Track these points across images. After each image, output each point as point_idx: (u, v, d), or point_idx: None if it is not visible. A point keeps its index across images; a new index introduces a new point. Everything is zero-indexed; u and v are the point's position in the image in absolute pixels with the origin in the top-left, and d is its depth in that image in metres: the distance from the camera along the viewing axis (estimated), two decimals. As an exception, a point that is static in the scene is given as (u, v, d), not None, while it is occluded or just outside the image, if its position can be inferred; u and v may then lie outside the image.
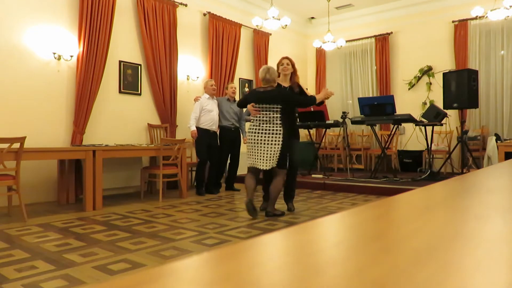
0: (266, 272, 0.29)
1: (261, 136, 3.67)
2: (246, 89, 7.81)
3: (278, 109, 3.68)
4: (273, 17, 6.11)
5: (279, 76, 4.00)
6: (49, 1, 4.89)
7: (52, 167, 4.81)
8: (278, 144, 3.64)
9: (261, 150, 3.67)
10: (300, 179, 6.28)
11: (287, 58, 4.09)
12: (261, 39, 7.94)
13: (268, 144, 3.66)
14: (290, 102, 3.81)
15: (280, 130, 3.65)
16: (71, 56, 5.04)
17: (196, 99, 5.56)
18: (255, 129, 3.72)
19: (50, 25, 4.91)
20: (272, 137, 3.66)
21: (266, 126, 3.68)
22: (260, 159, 3.69)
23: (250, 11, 7.62)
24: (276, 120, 3.68)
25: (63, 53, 4.97)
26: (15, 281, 2.10)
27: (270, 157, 3.66)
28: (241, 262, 0.31)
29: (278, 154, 3.65)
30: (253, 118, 3.79)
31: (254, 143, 3.70)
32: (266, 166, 3.67)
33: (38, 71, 4.80)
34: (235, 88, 5.83)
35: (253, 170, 3.81)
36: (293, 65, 4.06)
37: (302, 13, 8.72)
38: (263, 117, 3.71)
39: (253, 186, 3.77)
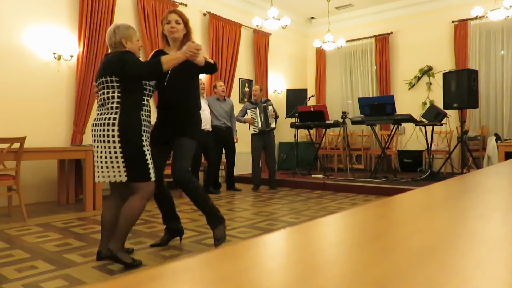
0: (266, 272, 0.29)
1: (94, 132, 2.40)
2: (246, 89, 7.78)
3: (115, 85, 2.37)
4: (273, 17, 6.11)
5: (166, 41, 2.90)
6: (49, 1, 4.89)
7: (52, 167, 4.81)
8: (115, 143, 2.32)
9: (97, 153, 2.40)
10: (300, 179, 6.29)
11: (175, 12, 2.76)
12: (261, 39, 7.94)
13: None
14: (125, 72, 2.36)
15: (114, 121, 2.32)
16: (71, 56, 5.04)
17: None
18: (94, 122, 2.42)
19: (50, 25, 4.91)
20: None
21: (99, 116, 2.40)
22: (98, 168, 2.41)
23: (250, 11, 7.62)
24: (112, 104, 2.36)
25: (63, 53, 4.97)
26: (15, 281, 2.10)
27: (107, 163, 2.35)
28: (241, 262, 0.31)
29: (121, 159, 2.32)
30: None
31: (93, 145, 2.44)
32: (105, 177, 2.38)
33: (38, 71, 4.80)
34: (224, 86, 5.76)
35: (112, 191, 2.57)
36: (186, 24, 2.76)
37: (302, 13, 8.72)
38: (99, 100, 2.47)
39: (109, 221, 2.46)
